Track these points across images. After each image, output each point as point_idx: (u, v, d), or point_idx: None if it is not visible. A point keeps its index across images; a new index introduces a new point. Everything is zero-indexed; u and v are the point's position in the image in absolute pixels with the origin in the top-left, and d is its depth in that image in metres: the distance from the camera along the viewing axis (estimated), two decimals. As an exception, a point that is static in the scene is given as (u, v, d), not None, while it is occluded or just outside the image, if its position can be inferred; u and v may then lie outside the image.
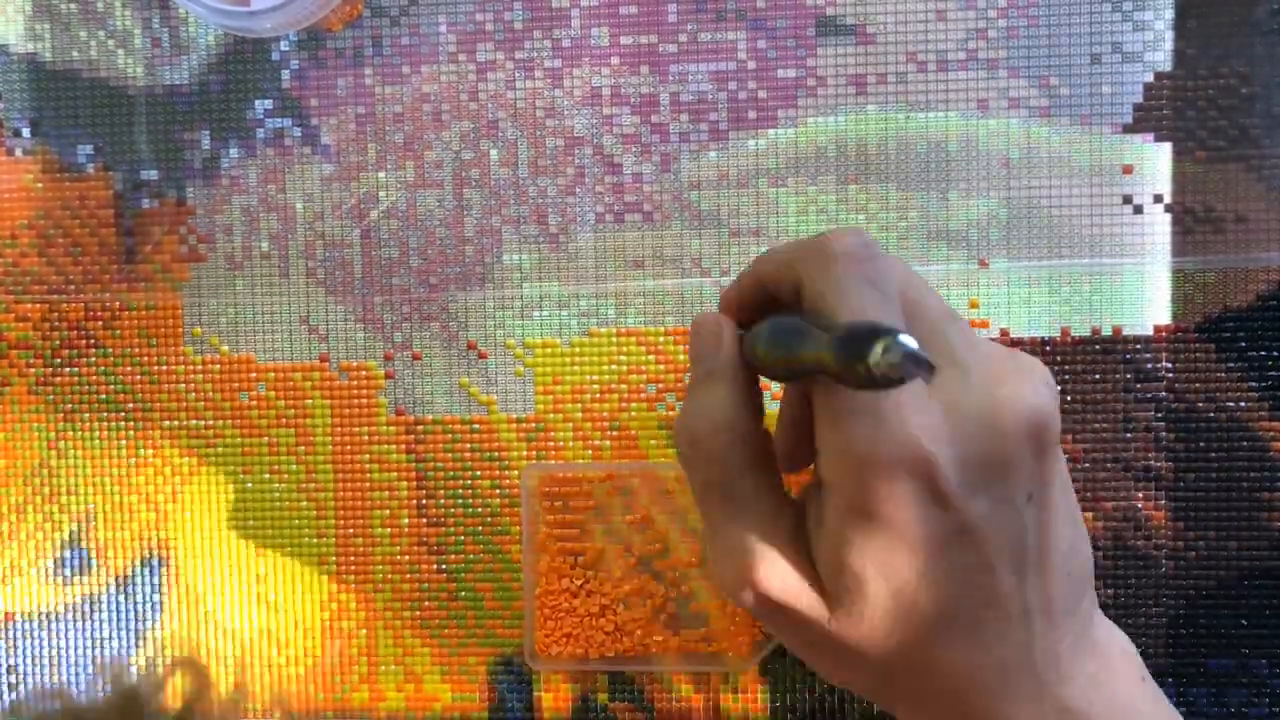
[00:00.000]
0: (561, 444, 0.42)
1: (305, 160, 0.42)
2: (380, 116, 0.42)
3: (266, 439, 0.43)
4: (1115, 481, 0.40)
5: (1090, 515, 0.40)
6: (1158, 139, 0.40)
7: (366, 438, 0.42)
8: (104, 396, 0.43)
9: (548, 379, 0.42)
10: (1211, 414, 0.40)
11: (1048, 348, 0.40)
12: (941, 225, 0.40)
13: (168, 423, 0.43)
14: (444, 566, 0.43)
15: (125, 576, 0.43)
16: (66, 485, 0.43)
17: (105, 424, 0.43)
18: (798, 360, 0.27)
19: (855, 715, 0.41)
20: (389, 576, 0.43)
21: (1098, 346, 0.40)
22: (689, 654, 0.41)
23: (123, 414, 0.43)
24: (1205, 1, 0.39)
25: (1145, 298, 0.40)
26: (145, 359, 0.43)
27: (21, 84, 0.43)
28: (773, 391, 0.41)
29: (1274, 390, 0.40)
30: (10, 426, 0.44)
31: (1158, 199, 0.40)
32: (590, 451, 0.42)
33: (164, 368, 0.43)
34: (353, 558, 0.43)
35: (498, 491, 0.42)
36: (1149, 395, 0.40)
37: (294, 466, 0.43)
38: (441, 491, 0.42)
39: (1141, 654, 0.40)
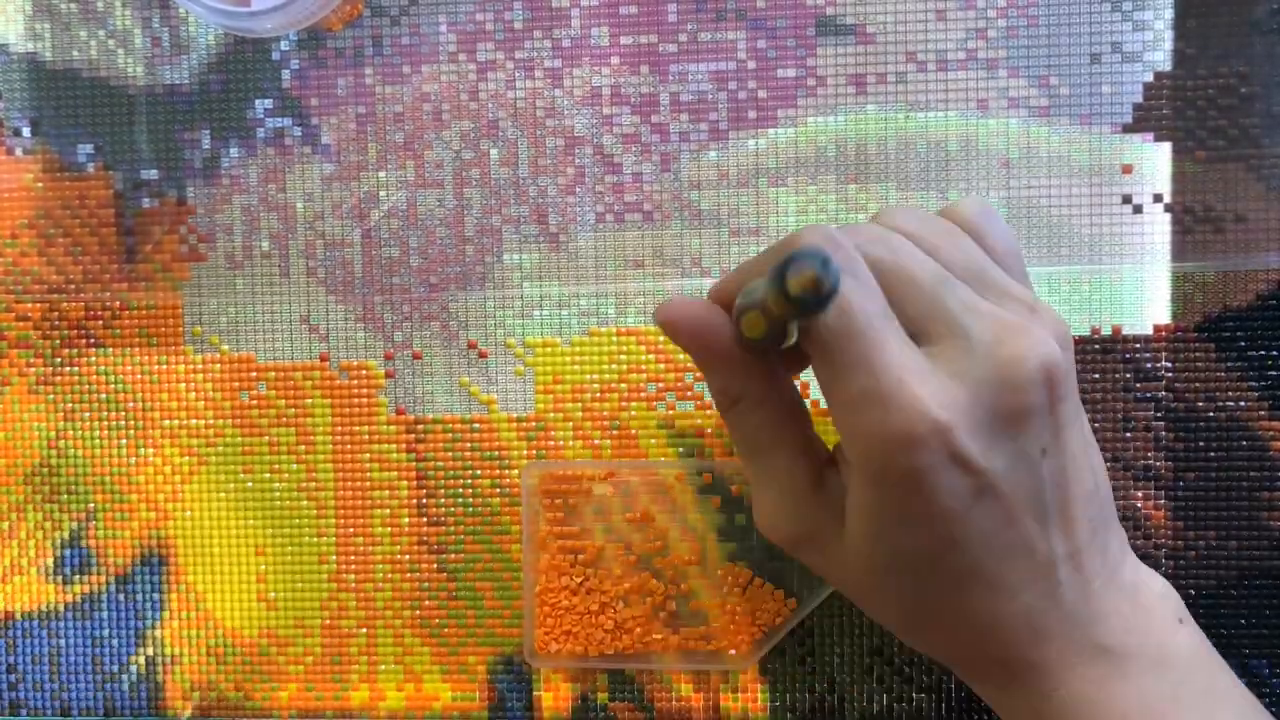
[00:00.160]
0: (561, 443, 0.42)
1: (305, 160, 0.42)
2: (380, 116, 0.42)
3: (266, 438, 0.43)
4: (1115, 481, 0.40)
5: (1090, 515, 0.40)
6: (1157, 139, 0.40)
7: (366, 437, 0.42)
8: (104, 396, 0.43)
9: (548, 378, 0.42)
10: (1211, 414, 0.40)
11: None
12: (941, 225, 0.40)
13: (168, 422, 0.43)
14: (444, 566, 0.43)
15: (125, 576, 0.43)
16: (66, 485, 0.43)
17: (105, 424, 0.43)
18: (758, 311, 0.27)
19: (855, 715, 0.41)
20: (389, 576, 0.43)
21: (1097, 346, 0.40)
22: (689, 652, 0.41)
23: (123, 414, 0.43)
24: (1205, 1, 0.39)
25: (1145, 298, 0.40)
26: (145, 359, 0.43)
27: (21, 84, 0.43)
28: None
29: (1274, 390, 0.40)
30: (10, 426, 0.44)
31: (1157, 199, 0.40)
32: (590, 451, 0.42)
33: (164, 367, 0.43)
34: (353, 558, 0.43)
35: (498, 491, 0.42)
36: (1149, 395, 0.40)
37: (294, 466, 0.43)
38: (441, 491, 0.42)
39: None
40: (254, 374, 0.43)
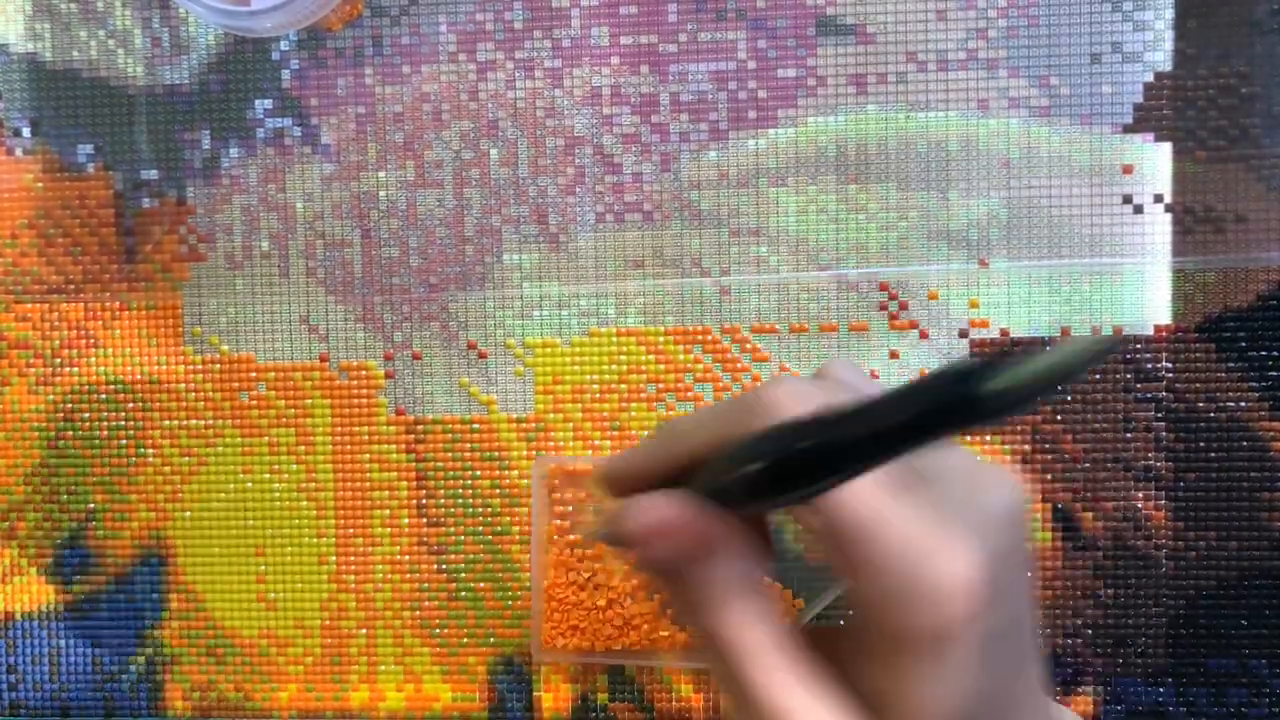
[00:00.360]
0: (561, 444, 0.42)
1: (305, 160, 0.42)
2: (380, 116, 0.42)
3: (266, 439, 0.43)
4: (1115, 481, 0.40)
5: (1090, 515, 0.40)
6: (1158, 139, 0.40)
7: (366, 437, 0.42)
8: (104, 396, 0.43)
9: (548, 379, 0.42)
10: (1211, 414, 0.40)
11: (1048, 347, 0.40)
12: (941, 225, 0.40)
13: (168, 422, 0.43)
14: (444, 566, 0.43)
15: (125, 576, 0.43)
16: (66, 485, 0.43)
17: (105, 424, 0.43)
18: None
19: (855, 715, 0.41)
20: (389, 577, 0.43)
21: (1098, 346, 0.40)
22: (693, 650, 0.41)
23: (123, 414, 0.43)
24: (1206, 1, 0.39)
25: (1145, 298, 0.40)
26: (145, 359, 0.43)
27: (21, 84, 0.43)
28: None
29: (1274, 390, 0.40)
30: (10, 426, 0.44)
31: (1158, 199, 0.40)
32: (590, 451, 0.42)
33: (164, 368, 0.43)
34: (353, 558, 0.43)
35: (498, 491, 0.42)
36: (1149, 395, 0.40)
37: (294, 466, 0.43)
38: (441, 491, 0.42)
39: (1141, 653, 0.40)
40: (254, 374, 0.43)
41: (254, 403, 0.43)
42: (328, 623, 0.43)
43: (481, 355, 0.42)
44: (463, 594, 0.43)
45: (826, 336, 0.41)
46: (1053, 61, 0.40)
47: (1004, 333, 0.40)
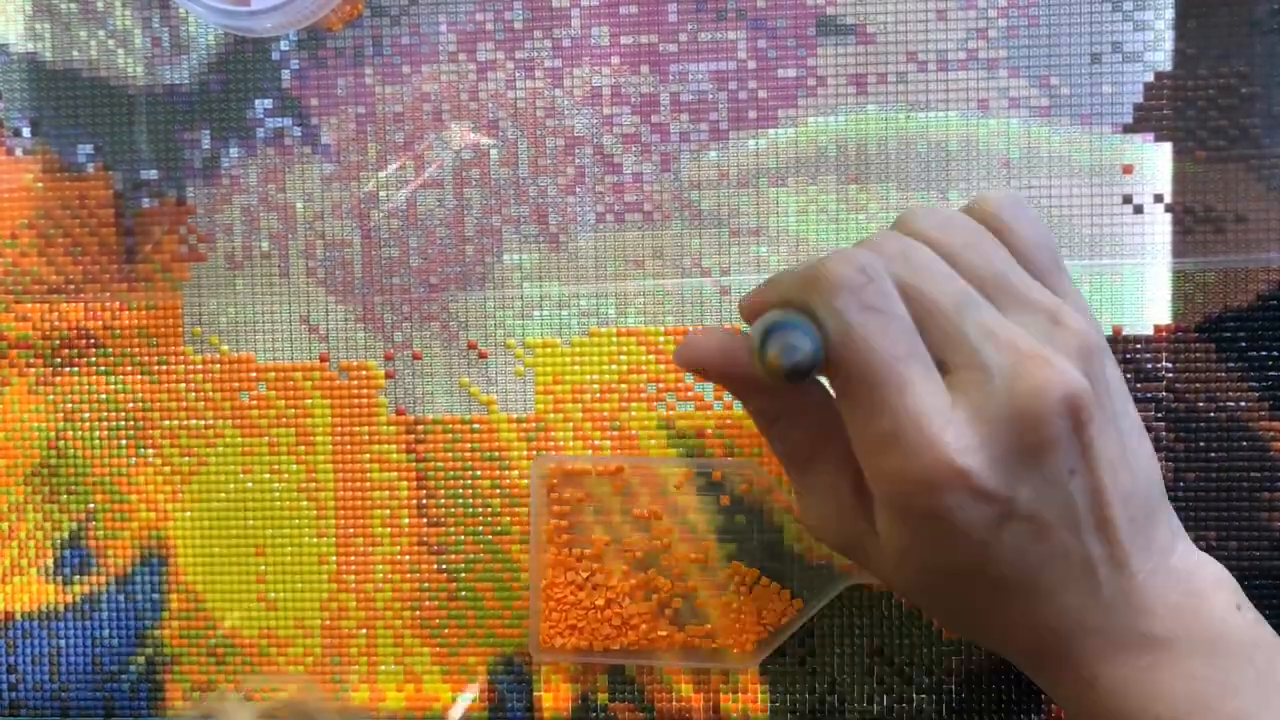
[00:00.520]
0: (561, 444, 0.42)
1: (305, 160, 0.42)
2: (380, 116, 0.42)
3: (266, 439, 0.43)
4: (1115, 481, 0.40)
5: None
6: (1158, 139, 0.40)
7: (366, 438, 0.42)
8: (104, 396, 0.43)
9: (548, 379, 0.42)
10: (1211, 414, 0.40)
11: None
12: (942, 225, 0.40)
13: (168, 423, 0.43)
14: (444, 566, 0.43)
15: (125, 577, 0.43)
16: (66, 485, 0.43)
17: (105, 424, 0.43)
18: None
19: (855, 715, 0.41)
20: (389, 577, 0.43)
21: (1098, 346, 0.40)
22: (693, 650, 0.41)
23: (123, 414, 0.43)
24: (1206, 1, 0.39)
25: (1145, 298, 0.40)
26: (145, 359, 0.43)
27: (21, 84, 0.43)
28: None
29: (1274, 390, 0.40)
30: (10, 426, 0.44)
31: (1158, 199, 0.40)
32: (590, 451, 0.42)
33: (164, 368, 0.43)
34: (353, 558, 0.43)
35: (498, 491, 0.42)
36: (1149, 395, 0.40)
37: (294, 466, 0.43)
38: (441, 491, 0.42)
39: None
40: (254, 374, 0.43)
41: (254, 403, 0.43)
42: (328, 623, 0.43)
43: (481, 355, 0.42)
44: (463, 594, 0.43)
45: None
46: (1053, 61, 0.40)
47: (1004, 333, 0.40)
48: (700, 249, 0.41)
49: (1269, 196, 0.39)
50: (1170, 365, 0.40)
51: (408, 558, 0.43)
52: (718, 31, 0.41)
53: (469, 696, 0.42)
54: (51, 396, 0.43)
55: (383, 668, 0.43)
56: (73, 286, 0.43)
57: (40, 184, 0.43)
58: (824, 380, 0.32)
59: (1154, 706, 0.28)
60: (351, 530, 0.43)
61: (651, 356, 0.42)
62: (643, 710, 0.42)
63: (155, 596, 0.43)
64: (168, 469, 0.43)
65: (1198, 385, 0.40)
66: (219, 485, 0.43)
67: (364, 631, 0.43)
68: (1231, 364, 0.40)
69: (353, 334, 0.42)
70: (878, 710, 0.41)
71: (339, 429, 0.43)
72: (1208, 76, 0.39)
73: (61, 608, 0.44)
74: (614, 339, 0.42)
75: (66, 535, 0.44)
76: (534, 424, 0.42)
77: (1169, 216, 0.40)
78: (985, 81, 0.40)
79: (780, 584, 0.41)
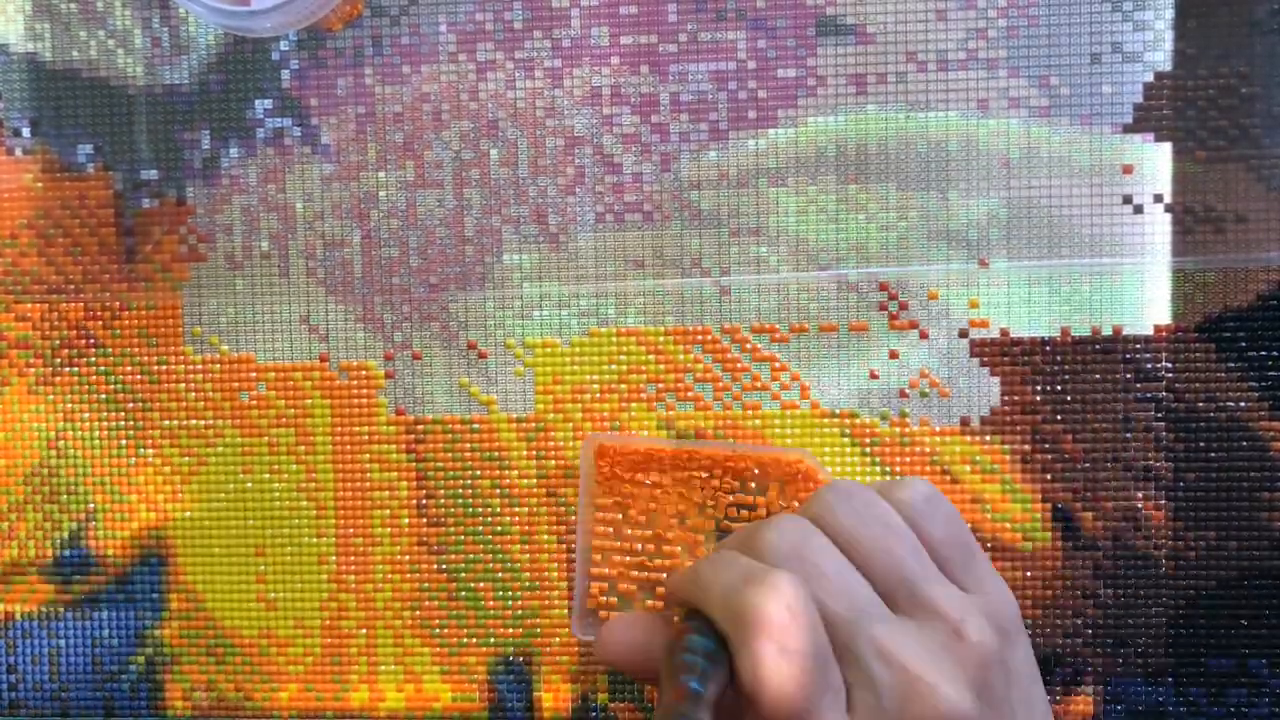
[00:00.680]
0: (562, 444, 0.42)
1: (305, 160, 0.42)
2: (380, 116, 0.42)
3: (266, 439, 0.43)
4: (1115, 481, 0.40)
5: (1090, 515, 0.40)
6: (1158, 139, 0.40)
7: (366, 437, 0.42)
8: (104, 396, 0.43)
9: (548, 379, 0.42)
10: (1211, 414, 0.40)
11: (1048, 348, 0.40)
12: (941, 225, 0.40)
13: (168, 423, 0.43)
14: (444, 566, 0.43)
15: (125, 577, 0.43)
16: (66, 485, 0.43)
17: (105, 424, 0.43)
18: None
19: (855, 715, 0.41)
20: (389, 577, 0.43)
21: (1098, 346, 0.40)
22: None
23: (123, 414, 0.43)
24: (1205, 1, 0.39)
25: (1145, 298, 0.40)
26: (145, 359, 0.43)
27: (21, 84, 0.43)
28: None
29: (1274, 390, 0.40)
30: (10, 426, 0.44)
31: (1158, 199, 0.40)
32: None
33: (164, 368, 0.43)
34: (353, 558, 0.43)
35: (498, 491, 0.42)
36: (1149, 395, 0.40)
37: (294, 466, 0.43)
38: (441, 491, 0.42)
39: (1141, 654, 0.40)
40: (254, 374, 0.43)
41: (254, 403, 0.43)
42: (328, 623, 0.43)
43: (481, 355, 0.42)
44: (463, 594, 0.43)
45: (826, 336, 0.41)
46: (1053, 61, 0.40)
47: (1004, 333, 0.40)
48: (700, 249, 0.41)
49: (1269, 196, 0.39)
50: (1170, 365, 0.40)
51: (407, 558, 0.43)
52: (717, 31, 0.41)
53: None
54: (51, 396, 0.43)
55: (383, 668, 0.43)
56: (73, 286, 0.43)
57: (40, 184, 0.43)
58: None
59: None
60: (351, 530, 0.43)
61: (651, 356, 0.42)
62: (643, 710, 0.42)
63: (155, 596, 0.43)
64: (168, 469, 0.43)
65: (1198, 385, 0.40)
66: (219, 485, 0.43)
67: (364, 631, 0.43)
68: (1231, 364, 0.40)
69: (353, 334, 0.42)
70: (877, 710, 0.41)
71: (339, 429, 0.43)
72: (1207, 76, 0.39)
73: (61, 608, 0.44)
74: (614, 339, 0.42)
75: (66, 535, 0.44)
76: (534, 424, 0.42)
77: (1169, 216, 0.40)
78: (985, 81, 0.40)
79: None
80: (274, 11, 0.36)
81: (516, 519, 0.42)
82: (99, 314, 0.43)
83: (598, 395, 0.42)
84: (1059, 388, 0.40)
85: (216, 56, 0.42)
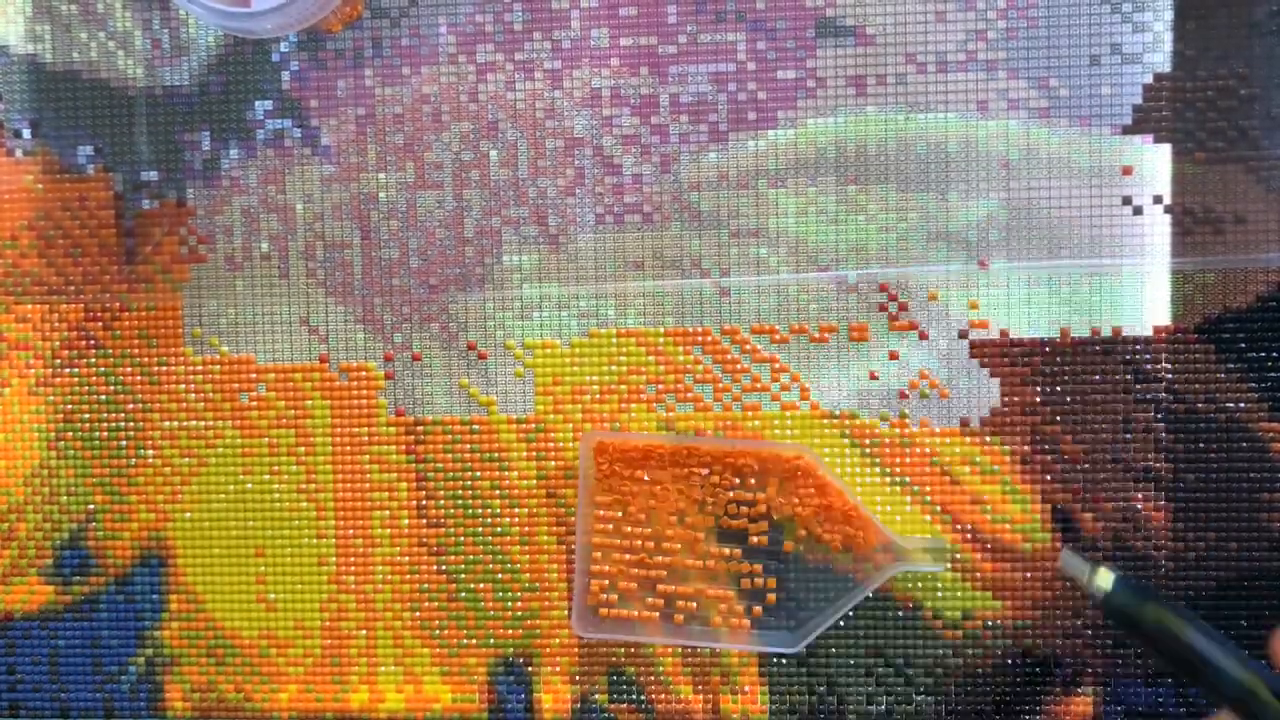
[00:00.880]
0: (561, 445, 0.42)
1: (305, 161, 0.42)
2: (380, 117, 0.42)
3: (266, 439, 0.43)
4: (1115, 481, 0.40)
5: (1090, 515, 0.40)
6: (1157, 140, 0.40)
7: (366, 438, 0.42)
8: (104, 396, 0.43)
9: (548, 379, 0.42)
10: (1211, 414, 0.40)
11: (1047, 348, 0.40)
12: (941, 226, 0.41)
13: (168, 423, 0.43)
14: (444, 567, 0.43)
15: (125, 578, 0.43)
16: (66, 485, 0.43)
17: (105, 424, 0.43)
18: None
19: (855, 715, 0.41)
20: (389, 578, 0.43)
21: (1097, 347, 0.40)
22: (737, 630, 0.41)
23: (123, 414, 0.43)
24: (1205, 3, 0.39)
25: (1145, 298, 0.40)
26: (145, 359, 0.43)
27: (21, 85, 0.43)
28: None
29: (1274, 390, 0.40)
30: (10, 427, 0.44)
31: (1157, 200, 0.40)
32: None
33: (164, 368, 0.43)
34: (353, 558, 0.43)
35: (497, 492, 0.42)
36: (1149, 396, 0.40)
37: (294, 467, 0.43)
38: (441, 492, 0.42)
39: (1141, 654, 0.40)
40: (253, 375, 0.43)
41: (254, 404, 0.43)
42: (328, 624, 0.43)
43: (481, 356, 0.42)
44: (463, 595, 0.43)
45: (826, 337, 0.41)
46: (1052, 63, 0.40)
47: (1004, 334, 0.40)
48: (699, 250, 0.41)
49: (1268, 198, 0.39)
50: (1170, 366, 0.40)
51: (407, 559, 0.43)
52: (717, 33, 0.41)
53: None
54: (52, 398, 0.43)
55: (383, 668, 0.43)
56: (73, 287, 0.43)
57: (40, 185, 0.43)
58: None
59: None
60: (351, 531, 0.43)
61: (651, 357, 0.42)
62: (642, 711, 0.42)
63: (155, 597, 0.43)
64: (168, 469, 0.43)
65: (1197, 386, 0.40)
66: (219, 486, 0.43)
67: (364, 632, 0.43)
68: (1231, 365, 0.40)
69: (352, 335, 0.42)
70: (877, 710, 0.41)
71: (339, 430, 0.43)
72: (1207, 78, 0.39)
73: (61, 608, 0.44)
74: (614, 340, 0.42)
75: (66, 536, 0.44)
76: (534, 425, 0.42)
77: (1168, 217, 0.40)
78: (984, 83, 0.40)
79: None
80: (274, 13, 0.36)
81: (516, 520, 0.42)
82: (99, 315, 0.43)
83: (597, 396, 0.42)
84: (1059, 389, 0.40)
85: (216, 58, 0.42)
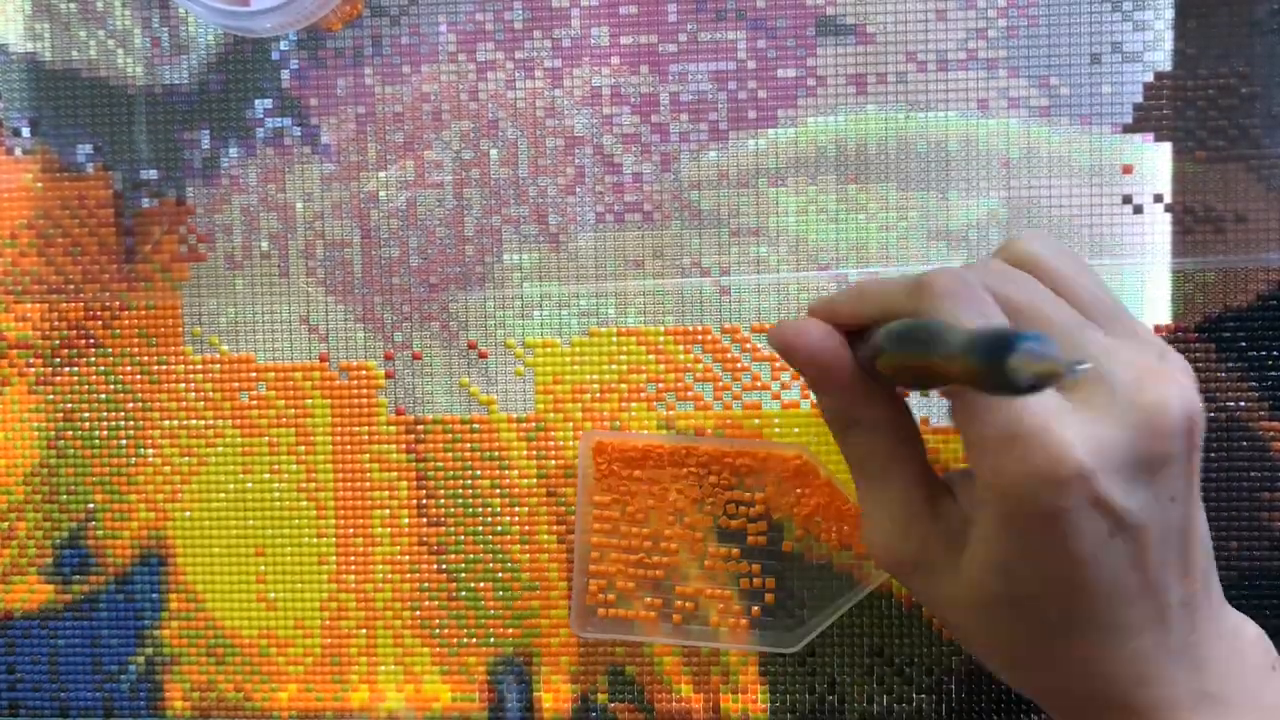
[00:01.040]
0: (562, 444, 0.42)
1: (305, 160, 0.42)
2: (380, 116, 0.42)
3: (266, 439, 0.43)
4: (1115, 481, 0.40)
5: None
6: (1158, 139, 0.40)
7: (366, 437, 0.42)
8: (104, 396, 0.43)
9: (548, 379, 0.42)
10: (1211, 414, 0.40)
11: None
12: (941, 225, 0.40)
13: (168, 422, 0.43)
14: (444, 566, 0.43)
15: (125, 577, 0.43)
16: (66, 485, 0.43)
17: (105, 424, 0.43)
18: (928, 362, 0.27)
19: (855, 715, 0.41)
20: (389, 577, 0.43)
21: (1098, 346, 0.40)
22: (737, 630, 0.41)
23: (123, 414, 0.43)
24: (1205, 1, 0.39)
25: (1145, 298, 0.40)
26: (145, 359, 0.43)
27: (21, 84, 0.43)
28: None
29: (1274, 390, 0.40)
30: (10, 426, 0.43)
31: (1158, 199, 0.40)
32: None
33: (164, 368, 0.43)
34: (353, 558, 0.43)
35: (498, 491, 0.42)
36: (1149, 395, 0.40)
37: (294, 466, 0.43)
38: (441, 491, 0.42)
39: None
40: (253, 374, 0.43)
41: (254, 403, 0.43)
42: (328, 623, 0.43)
43: (481, 355, 0.42)
44: (463, 594, 0.43)
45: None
46: (1052, 61, 0.40)
47: (1004, 333, 0.40)
48: (700, 249, 0.41)
49: (1269, 196, 0.39)
50: (1170, 365, 0.40)
51: (407, 558, 0.43)
52: (717, 31, 0.41)
53: None
54: (51, 396, 0.43)
55: (383, 668, 0.43)
56: (72, 286, 0.43)
57: (40, 184, 0.43)
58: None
59: None
60: (351, 530, 0.43)
61: (651, 356, 0.42)
62: (643, 710, 0.42)
63: (155, 596, 0.43)
64: (168, 469, 0.43)
65: (1198, 385, 0.40)
66: (219, 485, 0.43)
67: (364, 631, 0.43)
68: (1231, 364, 0.40)
69: (353, 334, 0.42)
70: (878, 710, 0.41)
71: (339, 429, 0.43)
72: (1207, 77, 0.39)
73: (61, 608, 0.44)
74: (614, 339, 0.42)
75: (66, 535, 0.44)
76: (534, 424, 0.42)
77: (1169, 216, 0.40)
78: (985, 82, 0.40)
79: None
80: (274, 11, 0.36)
81: (516, 519, 0.42)
82: (99, 314, 0.43)
83: (598, 395, 0.42)
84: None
85: (216, 56, 0.42)
